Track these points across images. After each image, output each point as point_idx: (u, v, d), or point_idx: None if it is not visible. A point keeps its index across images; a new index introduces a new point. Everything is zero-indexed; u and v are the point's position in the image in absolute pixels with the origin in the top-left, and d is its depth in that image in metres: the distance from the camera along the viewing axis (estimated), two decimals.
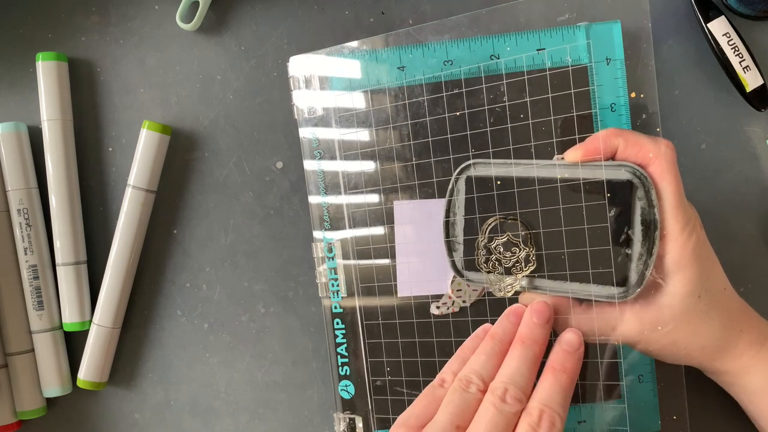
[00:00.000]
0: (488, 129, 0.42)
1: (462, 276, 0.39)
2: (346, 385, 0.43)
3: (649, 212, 0.35)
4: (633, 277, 0.36)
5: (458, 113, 0.42)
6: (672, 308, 0.35)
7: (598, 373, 0.42)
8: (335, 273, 0.42)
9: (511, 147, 0.42)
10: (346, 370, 0.43)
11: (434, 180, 0.42)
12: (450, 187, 0.39)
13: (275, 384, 0.44)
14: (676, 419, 0.44)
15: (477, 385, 0.33)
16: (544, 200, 0.37)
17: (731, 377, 0.38)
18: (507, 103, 0.42)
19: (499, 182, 0.38)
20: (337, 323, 0.42)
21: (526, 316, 0.36)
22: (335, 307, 0.42)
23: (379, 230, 0.42)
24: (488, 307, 0.42)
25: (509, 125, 0.42)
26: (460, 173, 0.39)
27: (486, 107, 0.42)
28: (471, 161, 0.39)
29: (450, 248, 0.39)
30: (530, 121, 0.42)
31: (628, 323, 0.36)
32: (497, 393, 0.32)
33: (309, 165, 0.42)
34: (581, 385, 0.42)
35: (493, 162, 0.38)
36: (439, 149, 0.42)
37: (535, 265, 0.38)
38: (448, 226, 0.40)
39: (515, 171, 0.38)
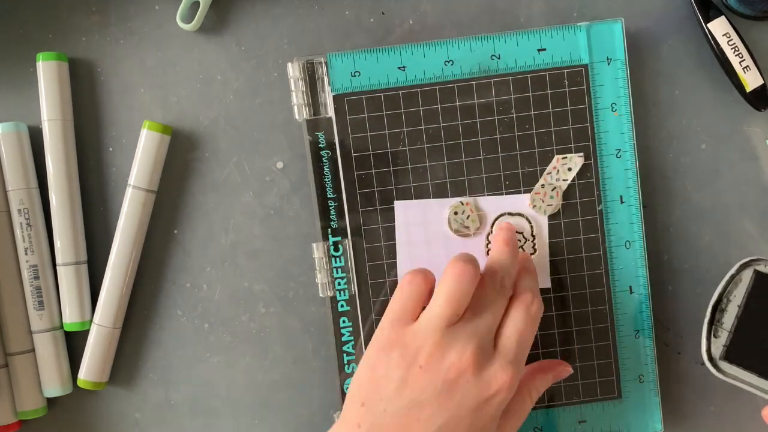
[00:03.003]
0: (489, 128, 0.42)
1: (714, 364, 0.39)
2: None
3: None
4: None
5: (458, 113, 0.42)
6: None
7: (598, 372, 0.42)
8: (342, 272, 0.42)
9: (517, 151, 0.42)
10: (353, 368, 0.43)
11: (434, 180, 0.42)
12: (732, 272, 0.39)
13: (275, 384, 0.44)
14: (677, 419, 0.44)
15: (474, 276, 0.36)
16: None
17: None
18: (506, 102, 0.42)
19: None
20: (344, 321, 0.42)
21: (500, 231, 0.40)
22: (341, 306, 0.42)
23: (383, 229, 0.42)
24: None
25: (509, 125, 0.42)
26: (748, 264, 0.39)
27: (486, 107, 0.42)
28: (763, 258, 0.39)
29: (711, 331, 0.39)
30: (530, 121, 0.42)
31: None
32: (496, 280, 0.37)
33: (314, 165, 0.42)
34: (582, 385, 0.42)
35: None
36: (438, 149, 0.42)
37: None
38: (715, 309, 0.39)
39: None
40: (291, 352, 0.44)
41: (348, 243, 0.42)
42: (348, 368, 0.43)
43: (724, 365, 0.38)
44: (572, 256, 0.42)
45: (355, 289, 0.42)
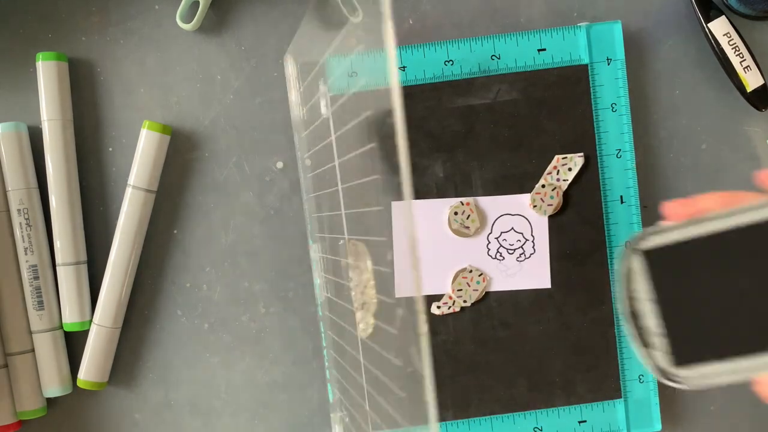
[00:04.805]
0: (488, 129, 0.42)
1: (668, 378, 0.28)
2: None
3: None
4: None
5: (458, 113, 0.42)
6: None
7: (598, 372, 0.42)
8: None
9: (517, 151, 0.42)
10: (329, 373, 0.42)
11: (434, 180, 0.42)
12: (617, 267, 0.30)
13: (275, 384, 0.44)
14: (677, 419, 0.44)
15: None
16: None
17: None
18: (506, 103, 0.42)
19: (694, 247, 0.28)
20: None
21: None
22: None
23: (378, 230, 0.42)
24: (490, 307, 0.42)
25: (509, 125, 0.42)
26: (630, 248, 0.29)
27: (486, 107, 0.42)
28: (640, 232, 0.29)
29: (643, 342, 0.29)
30: (531, 121, 0.42)
31: None
32: None
33: (305, 166, 0.42)
34: (582, 385, 0.42)
35: (671, 227, 0.28)
36: (438, 149, 0.42)
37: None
38: (633, 316, 0.29)
39: (704, 229, 0.27)
40: (291, 352, 0.44)
41: (347, 244, 0.42)
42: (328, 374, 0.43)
43: (684, 372, 0.29)
44: (572, 256, 0.42)
45: (354, 289, 0.42)
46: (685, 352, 0.28)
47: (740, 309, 0.27)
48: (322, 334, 0.43)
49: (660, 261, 0.29)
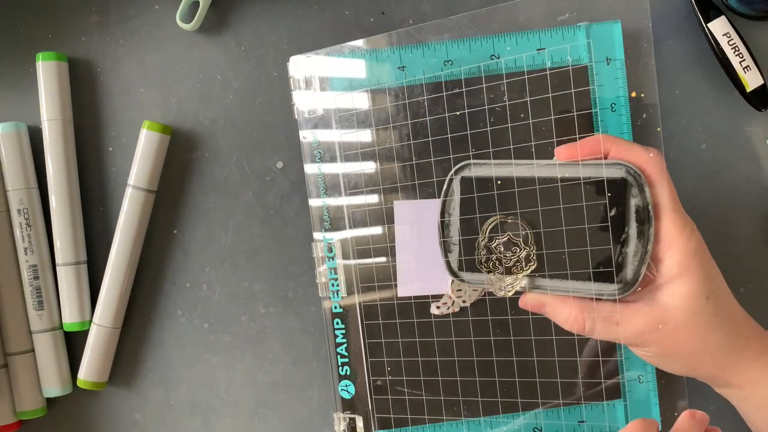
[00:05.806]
0: (488, 129, 0.42)
1: (457, 277, 0.39)
2: (346, 385, 0.43)
3: (642, 209, 0.35)
4: (629, 274, 0.36)
5: (458, 113, 0.42)
6: (678, 309, 0.34)
7: (599, 373, 0.42)
8: (335, 273, 0.42)
9: (512, 147, 0.42)
10: (346, 370, 0.43)
11: (434, 180, 0.42)
12: (444, 187, 0.39)
13: (275, 384, 0.44)
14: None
15: None
16: (544, 199, 0.37)
17: (742, 390, 0.37)
18: (507, 103, 0.42)
19: (499, 182, 0.38)
20: (337, 323, 0.42)
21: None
22: (335, 307, 0.42)
23: (379, 230, 0.42)
24: (488, 307, 0.42)
25: (509, 125, 0.42)
26: (455, 174, 0.39)
27: (486, 107, 0.42)
28: (467, 161, 0.38)
29: (445, 249, 0.39)
30: (530, 121, 0.42)
31: (630, 321, 0.35)
32: None
33: (309, 166, 0.42)
34: (582, 385, 0.42)
35: (491, 162, 0.38)
36: (439, 149, 0.42)
37: (535, 265, 0.38)
38: (443, 227, 0.39)
39: (514, 171, 0.37)
40: (291, 352, 0.44)
41: (350, 243, 0.42)
42: (342, 371, 0.43)
43: (466, 275, 0.39)
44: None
45: (357, 289, 0.42)
46: (468, 262, 0.39)
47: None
48: (341, 330, 0.43)
49: (473, 187, 0.38)
